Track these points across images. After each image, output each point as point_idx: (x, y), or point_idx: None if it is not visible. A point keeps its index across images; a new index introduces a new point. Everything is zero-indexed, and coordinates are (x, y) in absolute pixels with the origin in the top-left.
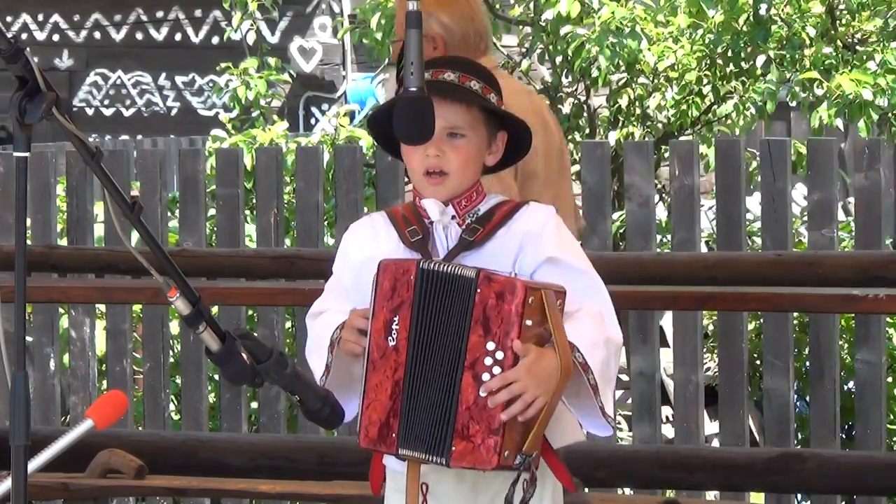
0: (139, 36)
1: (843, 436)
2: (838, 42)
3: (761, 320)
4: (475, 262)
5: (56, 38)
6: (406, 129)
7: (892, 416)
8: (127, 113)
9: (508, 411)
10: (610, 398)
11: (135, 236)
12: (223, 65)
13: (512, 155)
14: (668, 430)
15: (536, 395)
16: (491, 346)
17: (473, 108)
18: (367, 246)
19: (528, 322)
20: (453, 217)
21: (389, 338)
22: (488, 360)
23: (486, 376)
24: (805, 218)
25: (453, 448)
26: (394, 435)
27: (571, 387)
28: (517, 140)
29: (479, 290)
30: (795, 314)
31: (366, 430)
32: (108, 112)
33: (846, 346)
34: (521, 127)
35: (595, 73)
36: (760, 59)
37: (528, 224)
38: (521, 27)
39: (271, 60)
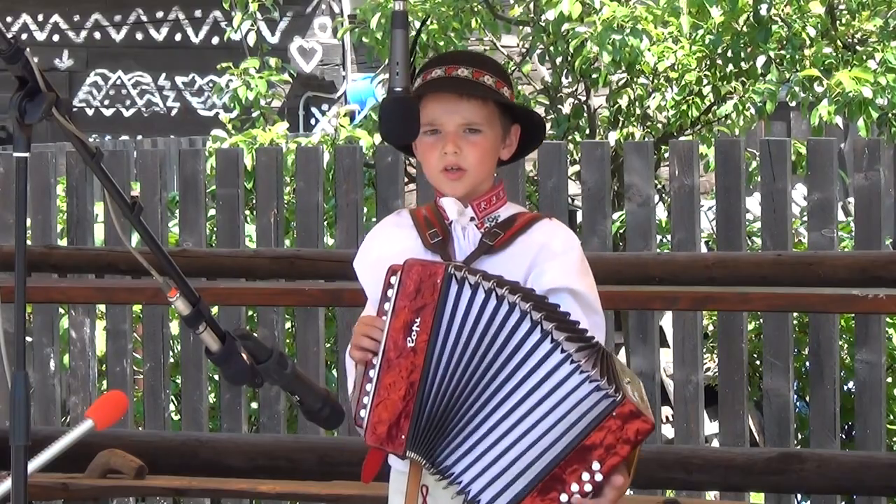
0: (139, 36)
1: (843, 436)
2: (838, 42)
3: (761, 320)
4: (492, 268)
5: (56, 38)
6: (391, 130)
7: (892, 416)
8: (127, 113)
9: None
10: None
11: (135, 236)
12: (223, 65)
13: (525, 147)
14: (668, 430)
15: None
16: (596, 465)
17: (489, 102)
18: (385, 244)
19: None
20: (472, 219)
21: (408, 338)
22: (586, 476)
23: (574, 486)
24: (805, 218)
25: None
26: (403, 436)
27: None
28: (530, 132)
29: (613, 414)
30: (795, 314)
31: (373, 428)
32: (108, 112)
33: (846, 346)
34: (535, 119)
35: (595, 74)
36: (760, 60)
37: (547, 238)
38: (521, 27)
39: (271, 60)
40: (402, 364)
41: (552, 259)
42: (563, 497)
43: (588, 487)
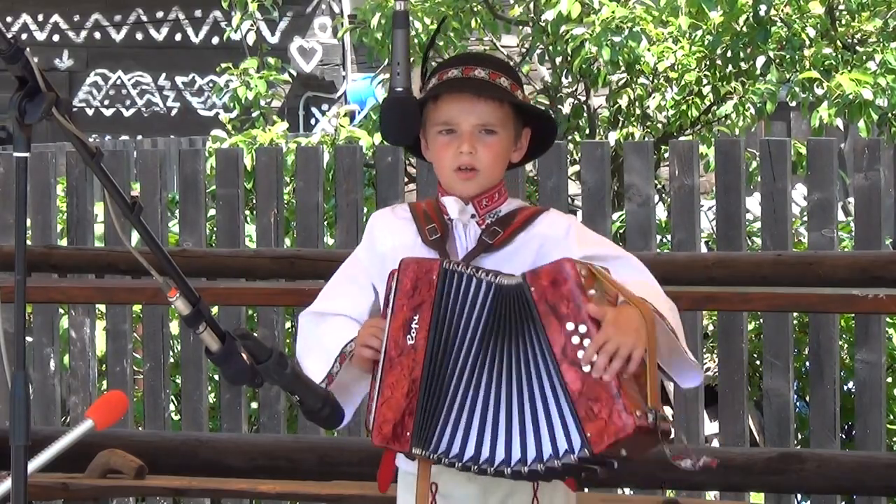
0: (139, 36)
1: (843, 436)
2: (838, 42)
3: (761, 320)
4: (493, 265)
5: (56, 38)
6: (392, 130)
7: (892, 416)
8: (127, 113)
9: (611, 369)
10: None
11: (135, 236)
12: (223, 65)
13: (535, 150)
14: None
15: (632, 346)
16: (570, 326)
17: (504, 104)
18: (387, 237)
19: (592, 291)
20: (473, 216)
21: (408, 336)
22: (575, 339)
23: (580, 353)
24: (805, 218)
25: (588, 434)
26: (408, 434)
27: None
28: (539, 136)
29: (532, 288)
30: (795, 314)
31: (379, 428)
32: (108, 112)
33: (846, 346)
34: (547, 121)
35: (595, 73)
36: (760, 60)
37: (548, 229)
38: (521, 27)
39: (271, 60)
40: (403, 362)
41: (555, 248)
42: (584, 366)
43: (586, 342)
